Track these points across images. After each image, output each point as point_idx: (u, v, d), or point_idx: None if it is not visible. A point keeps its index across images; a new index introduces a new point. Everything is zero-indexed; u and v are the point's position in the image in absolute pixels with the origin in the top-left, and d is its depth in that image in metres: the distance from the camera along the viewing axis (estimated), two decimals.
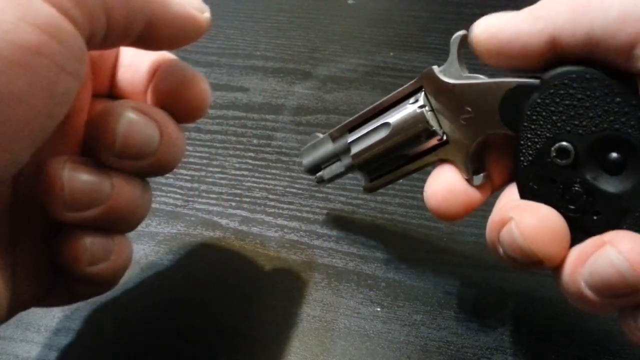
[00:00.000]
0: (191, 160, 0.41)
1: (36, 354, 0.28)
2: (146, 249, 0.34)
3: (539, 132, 0.21)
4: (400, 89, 0.26)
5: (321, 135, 0.31)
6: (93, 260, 0.21)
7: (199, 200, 0.38)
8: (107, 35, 0.18)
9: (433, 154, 0.25)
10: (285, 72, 0.51)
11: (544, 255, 0.20)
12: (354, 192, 0.38)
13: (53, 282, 0.23)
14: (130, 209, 0.22)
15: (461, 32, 0.22)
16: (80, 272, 0.21)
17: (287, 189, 0.38)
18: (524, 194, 0.22)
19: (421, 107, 0.24)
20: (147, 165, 0.21)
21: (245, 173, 0.40)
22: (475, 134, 0.23)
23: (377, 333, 0.29)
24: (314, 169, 0.32)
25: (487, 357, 0.28)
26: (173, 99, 0.23)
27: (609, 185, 0.20)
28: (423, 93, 0.25)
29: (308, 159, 0.32)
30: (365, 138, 0.27)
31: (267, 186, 0.39)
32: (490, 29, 0.21)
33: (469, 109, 0.23)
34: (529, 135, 0.21)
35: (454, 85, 0.23)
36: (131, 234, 0.35)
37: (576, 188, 0.20)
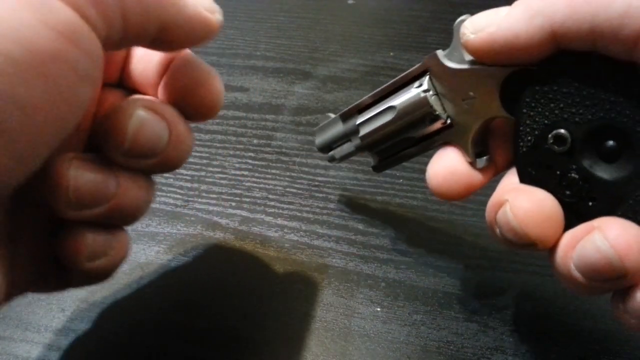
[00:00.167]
0: (191, 160, 0.41)
1: (36, 354, 0.28)
2: (146, 249, 0.34)
3: (537, 119, 0.21)
4: (407, 72, 0.26)
5: (333, 116, 0.32)
6: (93, 256, 0.21)
7: (199, 200, 0.38)
8: (123, 37, 0.18)
9: (438, 136, 0.26)
10: (285, 72, 0.51)
11: (536, 238, 0.20)
12: (354, 192, 0.38)
13: (49, 271, 0.23)
14: (135, 206, 0.22)
15: (464, 17, 0.22)
16: (80, 267, 0.21)
17: (287, 189, 0.38)
18: (523, 179, 0.22)
19: (425, 91, 0.25)
20: (154, 164, 0.21)
21: (245, 173, 0.40)
22: (477, 117, 0.24)
23: (377, 333, 0.29)
24: (325, 148, 0.33)
25: (487, 357, 0.28)
26: (185, 97, 0.23)
27: (605, 172, 0.20)
28: (427, 77, 0.25)
29: (320, 138, 0.33)
30: (373, 120, 0.28)
31: (267, 186, 0.39)
32: (484, 30, 0.20)
33: (472, 93, 0.23)
34: (527, 122, 0.21)
35: (456, 69, 0.23)
36: (131, 234, 0.35)
37: (572, 174, 0.20)
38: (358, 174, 0.39)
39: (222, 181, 0.39)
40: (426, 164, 0.25)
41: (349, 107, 0.30)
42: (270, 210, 0.37)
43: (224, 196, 0.38)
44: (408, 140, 0.27)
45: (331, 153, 0.33)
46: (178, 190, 0.39)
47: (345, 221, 0.36)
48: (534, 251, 0.21)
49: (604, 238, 0.18)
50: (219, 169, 0.40)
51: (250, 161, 0.41)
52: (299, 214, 0.36)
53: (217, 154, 0.42)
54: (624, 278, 0.18)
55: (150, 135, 0.20)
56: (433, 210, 0.36)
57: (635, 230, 0.19)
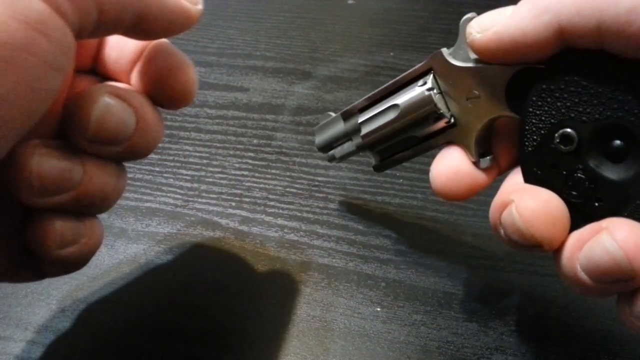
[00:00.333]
0: (191, 160, 0.41)
1: (36, 354, 0.28)
2: (146, 249, 0.34)
3: (543, 118, 0.21)
4: (410, 70, 0.26)
5: (333, 114, 0.32)
6: (63, 243, 0.21)
7: (199, 200, 0.38)
8: (97, 28, 0.18)
9: (441, 135, 0.25)
10: (285, 72, 0.51)
11: (542, 239, 0.20)
12: (354, 192, 0.38)
13: (22, 260, 0.23)
14: (103, 194, 0.22)
15: (470, 15, 0.22)
16: (50, 255, 0.21)
17: (287, 189, 0.38)
18: (528, 179, 0.22)
19: (429, 89, 0.25)
20: (121, 151, 0.21)
21: (245, 173, 0.40)
22: (482, 116, 0.23)
23: (377, 333, 0.29)
24: (326, 147, 0.33)
25: (487, 357, 0.28)
26: (159, 84, 0.22)
27: (612, 172, 0.20)
28: (432, 75, 0.25)
29: (320, 138, 0.33)
30: (375, 119, 0.28)
31: (267, 186, 0.39)
32: (490, 30, 0.20)
33: (476, 92, 0.23)
34: (533, 121, 0.21)
35: (461, 68, 0.23)
36: (131, 234, 0.35)
37: (579, 174, 0.20)
38: (358, 174, 0.39)
39: (222, 181, 0.39)
40: (427, 164, 0.25)
41: (351, 105, 0.30)
42: (270, 210, 0.37)
43: (224, 196, 0.38)
44: (410, 140, 0.27)
45: (331, 152, 0.33)
46: (178, 190, 0.39)
47: (345, 221, 0.36)
48: (540, 252, 0.21)
49: (613, 239, 0.18)
50: (219, 169, 0.40)
51: (250, 161, 0.41)
52: (299, 214, 0.36)
53: (217, 154, 0.42)
54: (632, 280, 0.18)
55: (116, 122, 0.20)
56: (433, 210, 0.36)
57: None
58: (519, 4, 0.20)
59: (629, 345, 0.28)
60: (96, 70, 0.25)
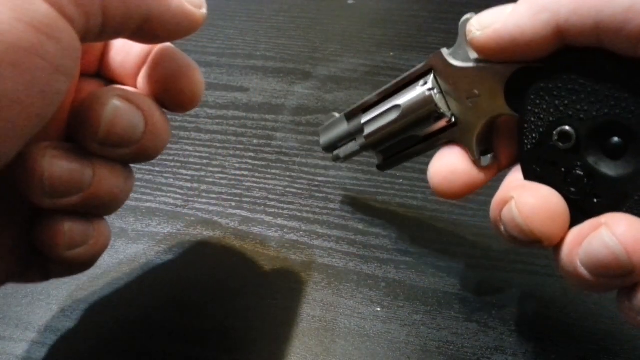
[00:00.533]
0: (191, 160, 0.41)
1: (36, 354, 0.28)
2: (146, 249, 0.34)
3: (542, 116, 0.21)
4: (411, 70, 0.26)
5: (337, 115, 0.32)
6: (71, 245, 0.21)
7: (199, 200, 0.38)
8: (102, 31, 0.18)
9: (442, 135, 0.26)
10: (285, 72, 0.51)
11: (541, 235, 0.20)
12: (354, 192, 0.38)
13: (30, 261, 0.23)
14: (111, 195, 0.22)
15: (469, 15, 0.22)
16: (58, 256, 0.21)
17: (287, 189, 0.38)
18: (528, 176, 0.22)
19: (430, 89, 0.25)
20: (130, 153, 0.21)
21: (245, 173, 0.40)
22: (482, 115, 0.24)
23: (377, 333, 0.29)
24: (330, 147, 0.33)
25: (487, 357, 0.28)
26: (166, 88, 0.23)
27: (610, 169, 0.20)
28: (432, 75, 0.25)
29: (325, 138, 0.33)
30: (377, 119, 0.28)
31: (267, 186, 0.39)
32: (490, 27, 0.20)
33: (476, 91, 0.23)
34: (532, 119, 0.21)
35: (461, 67, 0.23)
36: (131, 234, 0.35)
37: (577, 171, 0.20)
38: (358, 174, 0.39)
39: (222, 181, 0.39)
40: (427, 164, 0.25)
41: (354, 106, 0.30)
42: (270, 210, 0.37)
43: (224, 196, 0.38)
44: (412, 139, 0.27)
45: (335, 152, 0.33)
46: (178, 190, 0.39)
47: (345, 221, 0.36)
48: (539, 248, 0.21)
49: (612, 234, 0.18)
50: (219, 169, 0.40)
51: (250, 161, 0.41)
52: (299, 214, 0.36)
53: (217, 154, 0.42)
54: (631, 274, 0.18)
55: (125, 125, 0.20)
56: (433, 210, 0.36)
57: None
58: (519, 2, 0.20)
59: (629, 345, 0.28)
60: (101, 74, 0.25)
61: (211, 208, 0.37)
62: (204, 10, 0.21)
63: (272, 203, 0.37)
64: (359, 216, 0.36)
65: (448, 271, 0.32)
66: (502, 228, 0.22)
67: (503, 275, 0.32)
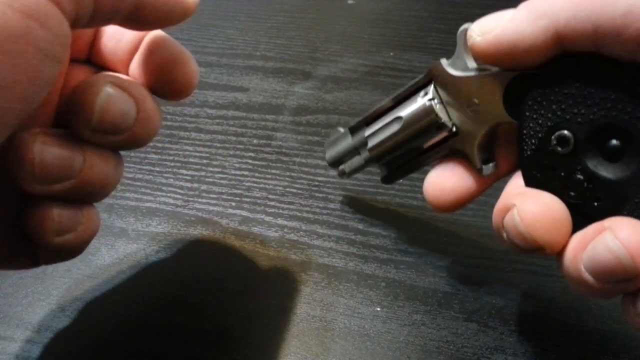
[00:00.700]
0: (191, 160, 0.41)
1: (36, 353, 0.28)
2: (146, 249, 0.34)
3: (540, 122, 0.21)
4: (412, 82, 0.27)
5: (342, 130, 0.33)
6: (60, 231, 0.21)
7: (199, 200, 0.38)
8: (93, 17, 0.18)
9: (444, 145, 0.26)
10: (285, 72, 0.51)
11: (544, 243, 0.20)
12: (354, 192, 0.38)
13: (18, 247, 0.23)
14: (102, 182, 0.22)
15: (467, 25, 0.23)
16: (47, 242, 0.21)
17: (287, 189, 0.38)
18: (528, 182, 0.22)
19: (430, 100, 0.25)
20: (121, 140, 0.21)
21: (246, 173, 0.40)
22: (482, 124, 0.24)
23: (377, 333, 0.29)
24: (336, 162, 0.34)
25: (487, 357, 0.28)
26: (160, 77, 0.23)
27: (609, 172, 0.20)
28: (432, 86, 0.25)
29: (330, 153, 0.34)
30: (380, 132, 0.28)
31: (267, 186, 0.39)
32: (490, 33, 0.20)
33: (476, 100, 0.23)
34: (530, 125, 0.21)
35: (460, 77, 0.24)
36: (131, 234, 0.35)
37: (577, 175, 0.20)
38: (358, 174, 0.39)
39: (222, 181, 0.39)
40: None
41: (358, 120, 0.31)
42: (270, 210, 0.37)
43: (224, 196, 0.38)
44: (415, 150, 0.27)
45: (341, 167, 0.33)
46: (178, 190, 0.39)
47: (345, 221, 0.36)
48: (542, 256, 0.21)
49: (616, 238, 0.18)
50: (219, 169, 0.40)
51: (250, 161, 0.41)
52: (299, 214, 0.36)
53: (217, 154, 0.42)
54: (636, 279, 0.18)
55: (118, 112, 0.20)
56: (433, 210, 0.36)
57: None
58: (518, 8, 0.20)
59: (629, 345, 0.28)
60: (92, 60, 0.25)
61: (211, 208, 0.37)
62: None
63: (272, 203, 0.37)
64: (359, 216, 0.36)
65: (448, 271, 0.32)
66: (505, 235, 0.22)
67: (503, 275, 0.32)
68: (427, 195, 0.26)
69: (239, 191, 0.38)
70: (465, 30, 0.23)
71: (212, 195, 0.38)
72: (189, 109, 0.46)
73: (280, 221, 0.36)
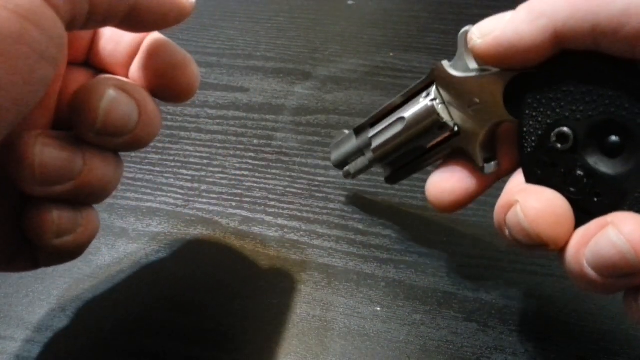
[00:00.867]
0: (191, 160, 0.41)
1: (37, 353, 0.28)
2: (146, 248, 0.34)
3: (539, 119, 0.21)
4: (415, 83, 0.27)
5: (347, 132, 0.33)
6: (59, 232, 0.21)
7: (200, 200, 0.38)
8: (89, 19, 0.18)
9: (447, 144, 0.26)
10: (286, 72, 0.51)
11: (547, 238, 0.20)
12: (354, 192, 0.38)
13: (18, 249, 0.23)
14: (102, 184, 0.22)
15: (467, 28, 0.23)
16: (46, 244, 0.21)
17: (287, 189, 0.38)
18: (529, 179, 0.22)
19: (432, 100, 0.26)
20: (123, 142, 0.21)
21: (246, 173, 0.40)
22: (484, 123, 0.24)
23: (376, 333, 0.29)
24: (341, 164, 0.34)
25: (487, 356, 0.28)
26: (161, 81, 0.23)
27: (609, 167, 0.20)
28: (434, 87, 0.26)
29: (335, 155, 0.34)
30: (384, 132, 0.29)
31: (267, 186, 0.39)
32: (490, 35, 0.21)
33: (477, 100, 0.24)
34: (530, 122, 0.22)
35: (461, 78, 0.24)
36: (132, 234, 0.35)
37: (577, 171, 0.21)
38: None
39: (223, 181, 0.39)
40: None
41: (362, 121, 0.31)
42: (270, 210, 0.37)
43: (224, 196, 0.38)
44: (418, 150, 0.28)
45: (346, 169, 0.34)
46: (178, 190, 0.39)
47: (345, 221, 0.36)
48: (545, 252, 0.21)
49: (619, 233, 0.18)
50: (220, 169, 0.40)
51: (250, 161, 0.41)
52: (299, 214, 0.36)
53: (217, 154, 0.42)
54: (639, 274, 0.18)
55: (121, 115, 0.21)
56: (433, 210, 0.36)
57: None
58: (517, 9, 0.20)
59: (629, 345, 0.28)
60: (90, 63, 0.25)
61: (211, 208, 0.37)
62: (192, 0, 0.21)
63: (272, 203, 0.37)
64: (359, 216, 0.36)
65: (448, 271, 0.32)
66: (507, 232, 0.22)
67: (503, 275, 0.32)
68: (429, 196, 0.26)
69: (239, 191, 0.38)
70: (466, 33, 0.23)
71: (212, 195, 0.38)
72: (189, 109, 0.46)
73: (280, 221, 0.36)
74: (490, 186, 0.26)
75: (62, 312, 0.30)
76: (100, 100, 0.20)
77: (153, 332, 0.29)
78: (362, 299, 0.31)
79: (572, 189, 0.21)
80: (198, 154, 0.42)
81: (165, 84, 0.23)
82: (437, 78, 0.25)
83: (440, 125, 0.25)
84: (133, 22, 0.20)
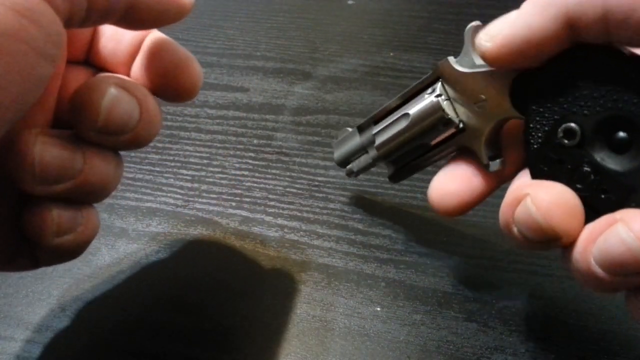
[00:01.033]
0: (191, 160, 0.41)
1: (37, 353, 0.28)
2: (146, 248, 0.34)
3: (546, 115, 0.21)
4: (420, 79, 0.27)
5: (350, 129, 0.33)
6: (59, 231, 0.21)
7: (199, 200, 0.38)
8: (87, 16, 0.18)
9: (451, 141, 0.26)
10: (285, 72, 0.51)
11: (561, 230, 0.20)
12: (354, 192, 0.38)
13: (18, 248, 0.23)
14: (102, 183, 0.22)
15: (475, 23, 0.23)
16: (47, 243, 0.21)
17: (287, 189, 0.38)
18: (535, 175, 0.22)
19: (438, 96, 0.25)
20: (125, 140, 0.21)
21: (246, 173, 0.40)
22: (489, 119, 0.24)
23: (376, 333, 0.29)
24: (344, 162, 0.34)
25: (487, 356, 0.28)
26: (164, 81, 0.23)
27: (616, 164, 0.20)
28: (440, 83, 0.26)
29: (338, 153, 0.34)
30: (388, 129, 0.28)
31: (267, 186, 0.39)
32: (499, 35, 0.20)
33: (483, 96, 0.24)
34: (537, 118, 0.22)
35: (468, 73, 0.24)
36: (132, 234, 0.35)
37: (584, 168, 0.21)
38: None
39: (223, 181, 0.39)
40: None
41: (365, 119, 0.31)
42: (270, 210, 0.37)
43: (224, 196, 0.38)
44: (423, 147, 0.27)
45: (349, 167, 0.34)
46: (178, 190, 0.39)
47: (345, 221, 0.36)
48: (555, 247, 0.20)
49: (629, 230, 0.18)
50: (219, 169, 0.40)
51: (250, 161, 0.41)
52: (299, 214, 0.36)
53: (217, 154, 0.42)
54: None
55: (123, 113, 0.21)
56: (433, 210, 0.36)
57: None
58: (523, 5, 0.20)
59: (629, 345, 0.28)
60: (90, 61, 0.25)
61: (211, 208, 0.37)
62: None
63: (272, 203, 0.37)
64: (359, 216, 0.36)
65: (448, 271, 0.32)
66: (515, 230, 0.21)
67: (503, 275, 0.32)
68: (432, 200, 0.26)
69: (239, 191, 0.38)
70: (473, 28, 0.23)
71: (212, 195, 0.38)
72: (189, 109, 0.46)
73: (280, 221, 0.36)
74: (495, 188, 0.25)
75: (62, 312, 0.30)
76: (102, 99, 0.20)
77: (153, 332, 0.29)
78: (362, 299, 0.31)
79: (579, 186, 0.21)
80: (198, 154, 0.42)
81: (168, 83, 0.23)
82: (443, 74, 0.25)
83: (446, 121, 0.25)
84: (132, 19, 0.20)
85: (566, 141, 0.21)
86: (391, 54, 0.53)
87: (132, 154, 0.41)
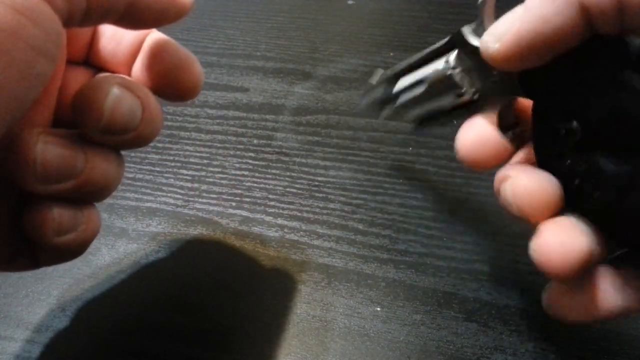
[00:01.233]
0: (191, 160, 0.41)
1: (36, 353, 0.28)
2: (146, 248, 0.34)
3: (550, 107, 0.22)
4: (437, 44, 0.27)
5: (379, 76, 0.33)
6: (60, 231, 0.21)
7: (199, 200, 0.38)
8: (87, 15, 0.18)
9: (465, 109, 0.26)
10: (285, 72, 0.51)
11: (529, 215, 0.22)
12: (354, 192, 0.38)
13: (18, 248, 0.23)
14: (103, 182, 0.22)
15: None
16: (47, 243, 0.21)
17: (287, 189, 0.38)
18: (540, 164, 0.23)
19: (452, 67, 0.25)
20: (127, 140, 0.21)
21: (246, 173, 0.40)
22: (502, 93, 0.24)
23: (376, 333, 0.29)
24: (375, 106, 0.34)
25: (487, 356, 0.28)
26: (166, 81, 0.23)
27: (615, 162, 0.20)
28: (455, 53, 0.25)
29: (365, 100, 0.34)
30: (404, 93, 0.29)
31: (267, 186, 0.39)
32: (508, 33, 0.19)
33: (494, 72, 0.24)
34: (541, 110, 0.22)
35: (478, 47, 0.24)
36: (132, 234, 0.35)
37: (582, 165, 0.21)
38: (358, 174, 0.39)
39: (223, 181, 0.39)
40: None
41: (392, 70, 0.31)
42: (270, 210, 0.37)
43: (224, 196, 0.38)
44: (441, 111, 0.28)
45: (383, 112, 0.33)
46: (178, 190, 0.39)
47: (345, 221, 0.36)
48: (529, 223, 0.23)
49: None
50: (219, 169, 0.40)
51: (250, 161, 0.41)
52: (299, 214, 0.36)
53: (217, 154, 0.42)
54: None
55: (126, 112, 0.20)
56: (433, 211, 0.36)
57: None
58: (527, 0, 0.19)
59: (629, 345, 0.28)
60: (90, 62, 0.25)
61: (211, 208, 0.37)
62: None
63: (272, 203, 0.37)
64: (359, 216, 0.36)
65: (448, 271, 0.32)
66: (500, 199, 0.23)
67: (503, 275, 0.32)
68: (460, 152, 0.25)
69: (239, 191, 0.38)
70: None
71: (212, 195, 0.38)
72: (189, 109, 0.46)
73: (280, 221, 0.36)
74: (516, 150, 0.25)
75: (62, 312, 0.30)
76: (105, 98, 0.20)
77: (153, 332, 0.29)
78: (362, 299, 0.31)
79: (575, 181, 0.21)
80: (198, 154, 0.42)
81: (169, 83, 0.23)
82: (458, 43, 0.25)
83: (460, 93, 0.25)
84: (131, 18, 0.20)
85: (567, 137, 0.21)
86: (391, 54, 0.53)
87: (132, 154, 0.41)
